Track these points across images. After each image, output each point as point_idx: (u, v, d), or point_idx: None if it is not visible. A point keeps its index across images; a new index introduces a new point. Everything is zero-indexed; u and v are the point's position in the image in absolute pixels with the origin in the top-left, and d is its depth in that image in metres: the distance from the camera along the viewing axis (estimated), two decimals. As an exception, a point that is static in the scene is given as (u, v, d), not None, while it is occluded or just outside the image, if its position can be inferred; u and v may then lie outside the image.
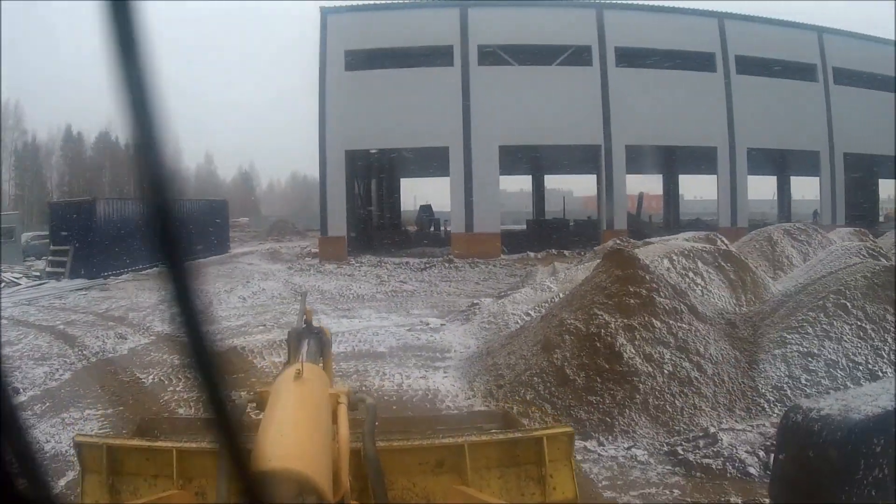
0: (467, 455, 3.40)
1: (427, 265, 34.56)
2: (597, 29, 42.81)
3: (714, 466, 7.66)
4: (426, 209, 64.77)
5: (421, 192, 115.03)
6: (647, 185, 76.20)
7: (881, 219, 57.92)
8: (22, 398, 11.29)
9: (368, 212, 51.31)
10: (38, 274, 33.01)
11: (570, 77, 42.69)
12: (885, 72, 47.83)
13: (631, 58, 43.49)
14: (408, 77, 41.70)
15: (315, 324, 4.09)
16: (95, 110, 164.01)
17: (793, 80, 46.98)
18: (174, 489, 3.39)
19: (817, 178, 49.07)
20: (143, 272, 33.90)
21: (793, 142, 47.03)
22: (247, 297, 23.85)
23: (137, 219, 36.03)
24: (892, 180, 53.83)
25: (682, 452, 8.02)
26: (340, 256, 39.06)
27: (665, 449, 8.31)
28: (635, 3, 45.00)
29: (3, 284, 28.80)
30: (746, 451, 7.78)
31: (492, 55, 42.63)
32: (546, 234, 48.07)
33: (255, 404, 2.88)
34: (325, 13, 42.80)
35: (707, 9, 45.84)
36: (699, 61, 45.09)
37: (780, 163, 56.40)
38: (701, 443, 8.12)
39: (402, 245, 48.23)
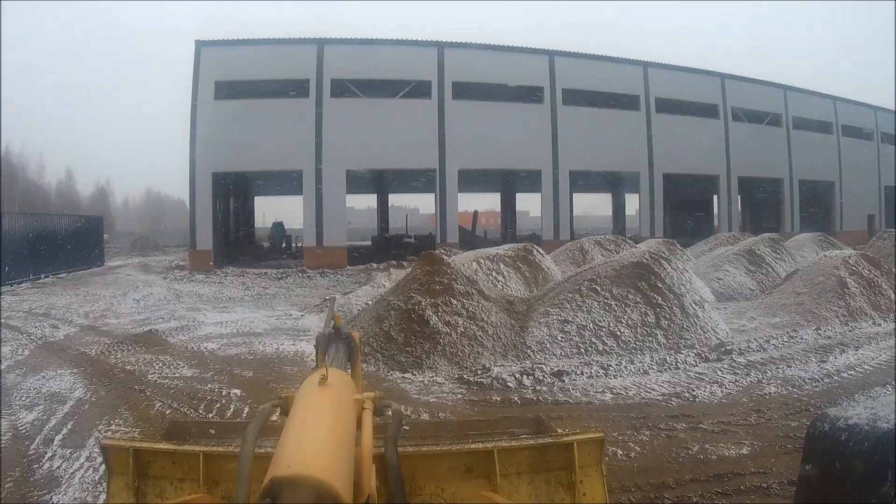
0: (497, 461, 3.33)
1: (283, 275, 37.93)
2: (437, 65, 46.73)
3: (485, 383, 12.04)
4: (278, 226, 66.83)
5: (270, 210, 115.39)
6: (493, 203, 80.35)
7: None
8: (1, 367, 14.14)
9: (228, 228, 53.66)
10: None
11: (411, 108, 46.42)
12: (701, 100, 53.79)
13: (467, 91, 47.38)
14: (269, 107, 44.92)
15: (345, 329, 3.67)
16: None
17: (617, 110, 51.63)
18: (200, 493, 3.36)
19: (656, 196, 53.16)
20: (40, 281, 36.28)
21: (615, 164, 51.63)
22: (139, 300, 26.85)
23: (37, 232, 38.74)
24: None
25: (466, 377, 12.48)
26: (208, 268, 42.00)
27: (455, 376, 12.71)
28: (473, 42, 48.67)
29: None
30: (508, 375, 12.29)
31: (343, 87, 45.85)
32: (389, 248, 51.24)
33: (279, 409, 2.74)
34: (200, 46, 45.27)
35: (539, 47, 49.87)
36: (529, 94, 49.18)
37: (613, 182, 60.42)
38: (479, 372, 12.58)
39: (258, 258, 51.48)
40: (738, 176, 56.16)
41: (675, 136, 52.30)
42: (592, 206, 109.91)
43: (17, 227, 37.32)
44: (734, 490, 7.33)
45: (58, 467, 8.38)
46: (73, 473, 8.16)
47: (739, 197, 62.22)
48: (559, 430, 4.01)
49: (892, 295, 19.48)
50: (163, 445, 3.58)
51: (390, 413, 2.82)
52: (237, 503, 1.90)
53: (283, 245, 62.09)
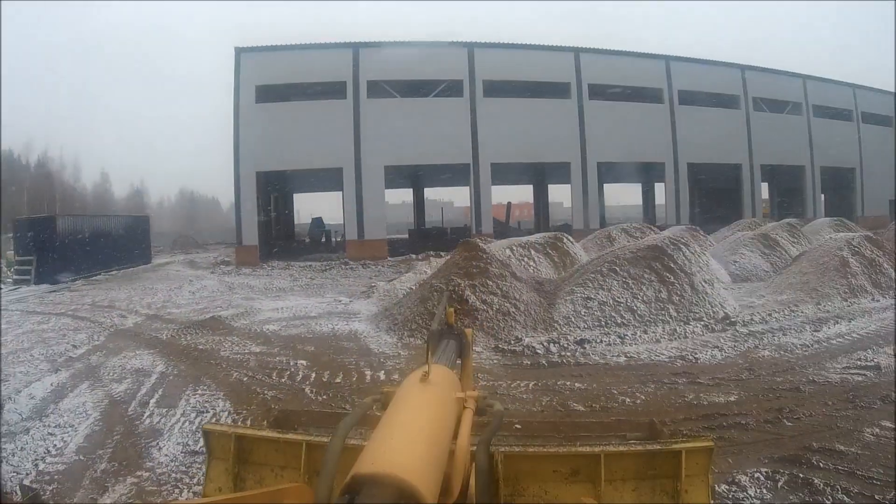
0: (602, 465, 3.36)
1: (327, 267, 39.33)
2: (468, 65, 48.32)
3: (517, 350, 13.89)
4: (318, 221, 68.05)
5: (305, 206, 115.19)
6: (526, 195, 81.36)
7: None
8: (81, 350, 15.56)
9: (270, 224, 54.89)
10: (9, 280, 36.17)
11: (444, 107, 48.18)
12: (722, 91, 54.83)
13: (497, 88, 48.88)
14: (308, 108, 46.68)
15: (457, 325, 3.60)
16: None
17: (641, 103, 52.85)
18: (300, 482, 3.42)
19: (681, 185, 54.34)
20: (93, 278, 37.72)
21: (641, 155, 52.58)
22: (195, 292, 28.35)
23: (88, 232, 40.38)
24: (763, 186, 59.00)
25: (501, 347, 14.29)
26: (254, 262, 43.61)
27: (492, 346, 14.46)
28: (501, 41, 50.16)
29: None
30: (538, 344, 14.14)
31: (379, 88, 47.48)
32: (426, 240, 53.15)
33: (379, 404, 2.56)
34: (239, 53, 47.16)
35: (563, 45, 51.00)
36: (556, 89, 50.65)
37: (641, 172, 61.33)
38: (513, 342, 14.39)
39: (300, 252, 52.77)
40: (761, 164, 57.11)
41: (698, 127, 53.32)
42: (625, 195, 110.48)
43: (70, 228, 39.12)
44: (718, 426, 8.83)
45: (157, 422, 9.71)
46: (171, 426, 9.51)
47: (766, 184, 63.48)
48: (670, 437, 4.24)
49: (893, 273, 20.89)
50: (266, 433, 3.86)
51: (492, 413, 2.68)
52: (317, 499, 1.84)
53: (323, 239, 62.86)
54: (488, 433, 2.43)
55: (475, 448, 2.38)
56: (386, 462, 1.70)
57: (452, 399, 2.50)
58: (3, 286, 34.41)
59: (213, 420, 9.87)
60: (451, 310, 3.69)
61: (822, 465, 7.31)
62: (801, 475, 7.01)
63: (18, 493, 7.26)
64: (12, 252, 39.63)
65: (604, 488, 3.38)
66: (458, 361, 3.39)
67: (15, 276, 36.41)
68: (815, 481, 6.81)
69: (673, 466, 3.41)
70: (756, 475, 7.00)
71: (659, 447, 3.52)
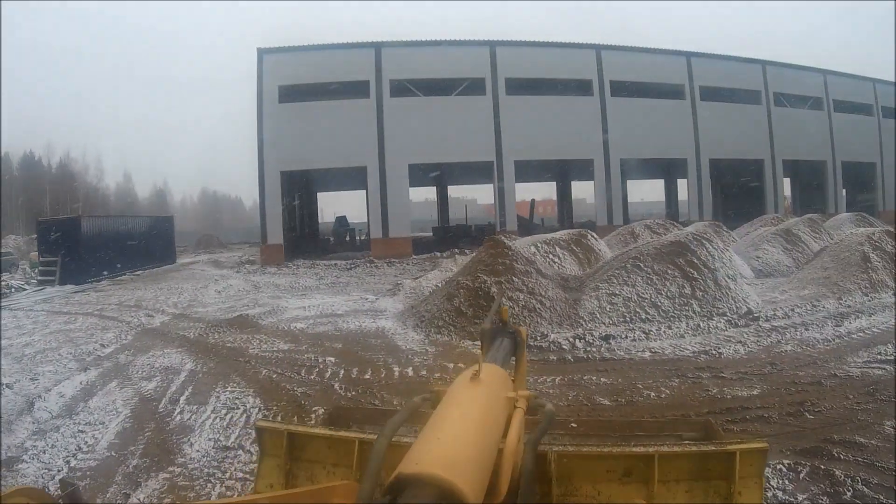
0: (656, 466, 3.25)
1: (352, 265, 39.41)
2: (490, 63, 48.52)
3: (543, 346, 14.05)
4: (342, 220, 68.04)
5: (328, 205, 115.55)
6: (549, 192, 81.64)
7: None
8: (110, 349, 15.80)
9: (295, 223, 55.17)
10: (34, 281, 36.56)
11: (467, 105, 48.35)
12: (743, 86, 54.83)
13: (520, 86, 49.00)
14: (332, 108, 46.87)
15: (511, 324, 3.71)
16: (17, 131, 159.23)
17: (663, 99, 52.94)
18: (353, 479, 3.34)
19: (703, 181, 54.50)
20: (119, 278, 38.15)
21: (663, 151, 52.69)
22: (221, 291, 28.57)
23: (113, 233, 40.95)
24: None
25: (527, 343, 14.17)
26: (279, 261, 43.93)
27: (518, 342, 14.57)
28: (523, 39, 50.35)
29: (12, 290, 32.60)
30: (563, 339, 14.33)
31: (401, 87, 47.76)
32: (451, 237, 53.39)
33: (429, 402, 2.58)
34: (262, 53, 47.65)
35: (585, 42, 51.15)
36: (578, 87, 50.77)
37: (664, 168, 61.39)
38: (539, 338, 14.52)
39: (325, 251, 53.15)
40: (783, 159, 57.00)
41: (719, 123, 53.44)
42: (648, 192, 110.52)
43: (95, 228, 39.72)
44: (741, 419, 8.97)
45: (188, 419, 9.90)
46: (202, 423, 9.67)
47: (788, 179, 63.21)
48: (724, 438, 3.98)
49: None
50: (318, 430, 3.76)
51: (543, 413, 2.65)
52: (360, 499, 1.80)
53: (347, 238, 63.18)
54: (537, 433, 2.42)
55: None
56: (430, 462, 1.73)
57: (503, 398, 2.50)
58: (27, 287, 34.84)
59: (246, 417, 9.96)
60: (505, 307, 3.75)
61: (842, 457, 7.41)
62: (823, 466, 7.10)
63: (58, 487, 7.12)
64: (36, 252, 40.12)
65: (657, 489, 3.28)
66: (513, 359, 3.44)
67: (39, 277, 36.79)
68: (836, 472, 6.90)
69: (726, 468, 3.30)
70: (779, 467, 7.11)
71: (713, 448, 3.40)
